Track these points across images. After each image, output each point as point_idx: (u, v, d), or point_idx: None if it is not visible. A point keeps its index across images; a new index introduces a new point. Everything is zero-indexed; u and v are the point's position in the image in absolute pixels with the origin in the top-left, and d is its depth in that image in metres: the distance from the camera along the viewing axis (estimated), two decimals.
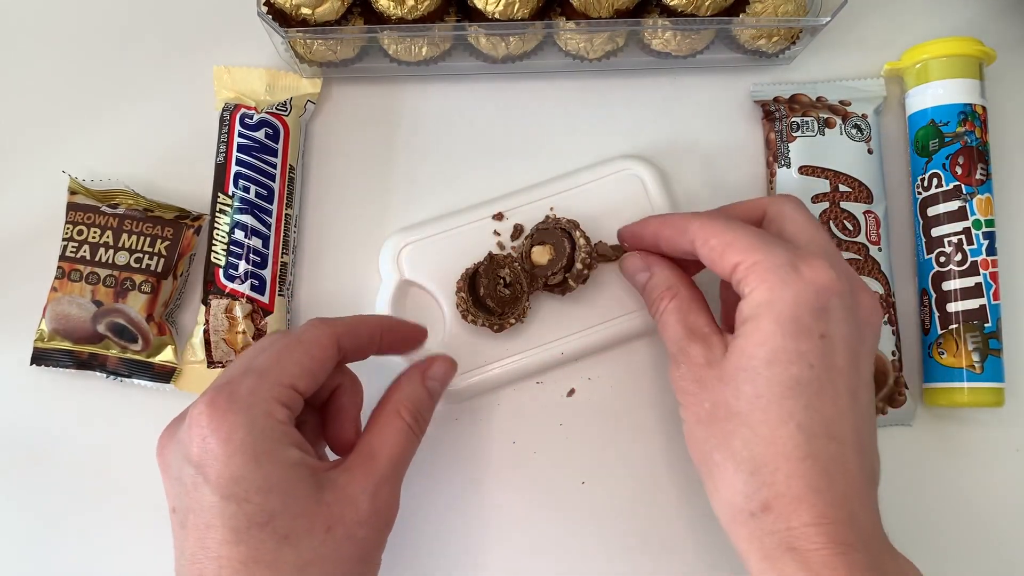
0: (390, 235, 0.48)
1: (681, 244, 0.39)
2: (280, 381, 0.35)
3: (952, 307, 0.47)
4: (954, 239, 0.47)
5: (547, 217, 0.47)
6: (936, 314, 0.47)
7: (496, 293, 0.45)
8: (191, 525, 0.33)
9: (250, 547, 0.32)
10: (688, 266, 0.42)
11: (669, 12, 0.46)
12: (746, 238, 0.36)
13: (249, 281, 0.45)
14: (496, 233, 0.47)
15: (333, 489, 0.34)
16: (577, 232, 0.44)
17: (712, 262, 0.38)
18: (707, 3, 0.45)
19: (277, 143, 0.47)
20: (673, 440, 0.47)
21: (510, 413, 0.47)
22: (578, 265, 0.44)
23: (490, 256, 0.45)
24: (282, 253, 0.46)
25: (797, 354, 0.34)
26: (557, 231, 0.45)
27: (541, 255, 0.45)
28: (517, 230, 0.47)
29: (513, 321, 0.45)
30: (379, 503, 0.35)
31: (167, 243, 0.46)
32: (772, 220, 0.40)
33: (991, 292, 0.46)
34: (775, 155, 0.49)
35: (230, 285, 0.45)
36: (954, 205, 0.47)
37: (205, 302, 0.45)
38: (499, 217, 0.48)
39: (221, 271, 0.45)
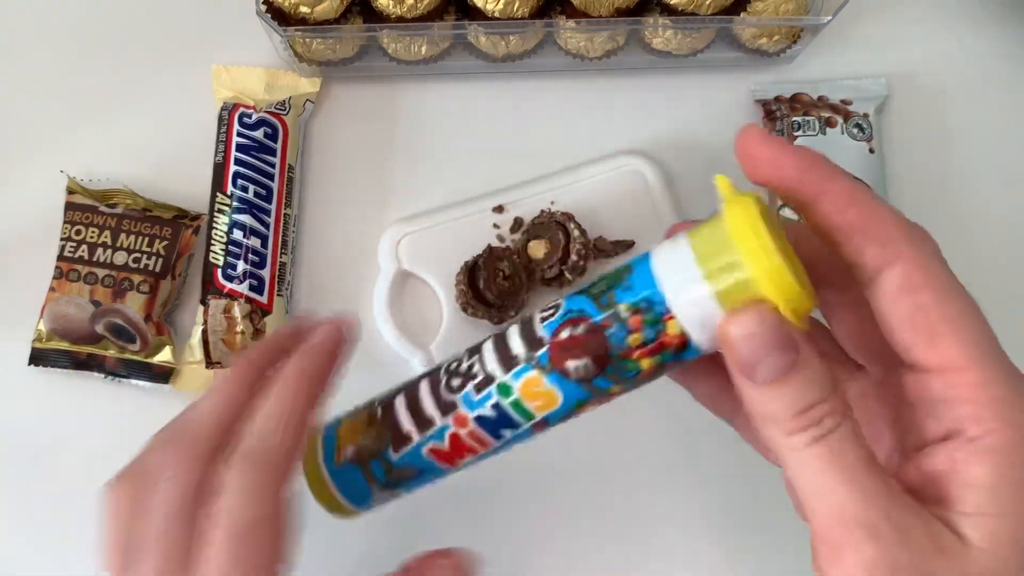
0: (389, 225, 0.48)
1: (862, 229, 0.25)
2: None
3: None
4: None
5: (542, 211, 0.47)
6: None
7: (495, 286, 0.45)
8: None
9: None
10: None
11: (670, 11, 0.46)
12: (975, 320, 0.24)
13: (248, 281, 0.45)
14: (496, 226, 0.47)
15: None
16: (571, 224, 0.45)
17: (898, 315, 0.24)
18: (708, 2, 0.45)
19: (276, 142, 0.47)
20: (672, 432, 0.47)
21: None
22: (573, 257, 0.44)
23: (489, 249, 0.46)
24: (281, 253, 0.46)
25: None
26: (552, 225, 0.46)
27: (537, 249, 0.46)
28: (517, 223, 0.47)
29: (513, 314, 0.45)
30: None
31: (165, 243, 0.46)
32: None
33: None
34: None
35: (229, 285, 0.45)
36: None
37: (203, 302, 0.45)
38: (499, 210, 0.47)
39: (220, 271, 0.45)
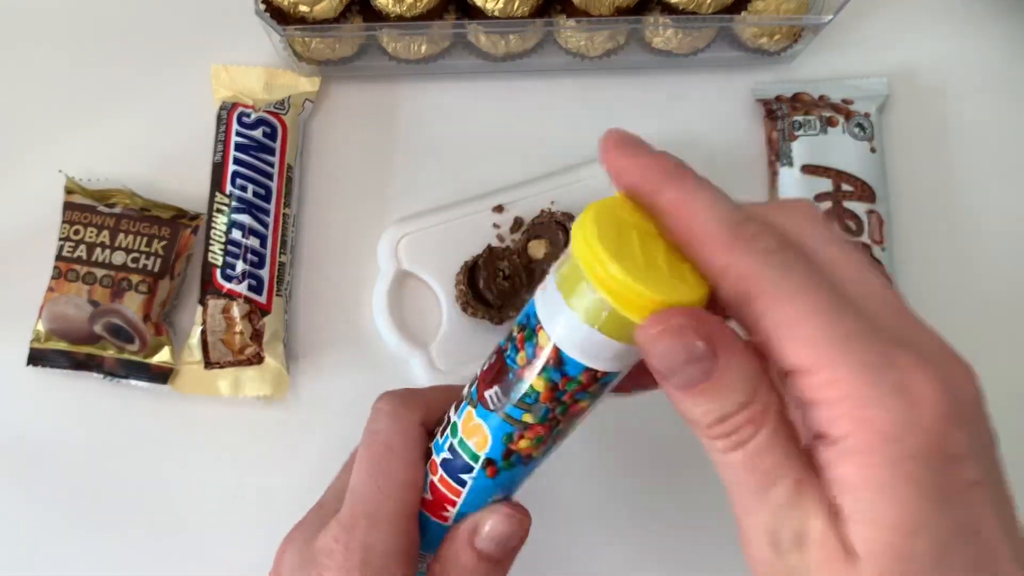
0: (389, 225, 0.47)
1: (693, 240, 0.24)
2: (395, 527, 0.31)
3: None
4: None
5: (542, 211, 0.47)
6: None
7: (495, 285, 0.45)
8: None
9: None
10: None
11: (670, 10, 0.46)
12: (818, 318, 0.22)
13: (247, 281, 0.45)
14: (496, 226, 0.47)
15: None
16: (571, 224, 0.45)
17: (753, 328, 0.23)
18: (708, 1, 0.45)
19: (275, 142, 0.47)
20: (672, 429, 0.46)
21: None
22: None
23: (489, 249, 0.45)
24: (280, 253, 0.46)
25: (954, 533, 0.22)
26: (552, 225, 0.45)
27: (537, 249, 0.45)
28: (517, 223, 0.47)
29: (512, 314, 0.45)
30: None
31: (164, 243, 0.46)
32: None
33: None
34: (777, 154, 0.49)
35: (227, 285, 0.45)
36: None
37: (202, 302, 0.45)
38: (499, 209, 0.47)
39: (218, 271, 0.45)
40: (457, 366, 0.45)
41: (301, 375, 0.47)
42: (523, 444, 0.29)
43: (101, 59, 0.51)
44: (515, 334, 0.27)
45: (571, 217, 0.45)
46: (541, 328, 0.26)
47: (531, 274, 0.45)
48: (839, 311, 0.22)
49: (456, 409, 0.30)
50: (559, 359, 0.26)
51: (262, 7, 0.44)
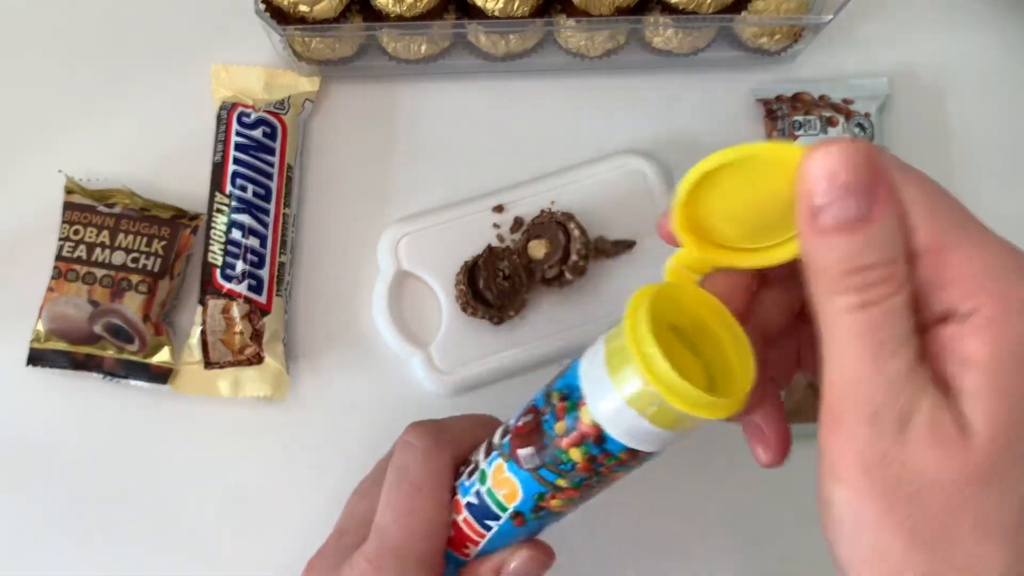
0: (389, 225, 0.47)
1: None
2: (423, 567, 0.31)
3: None
4: None
5: (542, 211, 0.47)
6: None
7: (495, 285, 0.45)
8: None
9: None
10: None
11: (671, 10, 0.46)
12: (951, 200, 0.23)
13: (247, 281, 0.45)
14: (496, 225, 0.47)
15: None
16: (572, 224, 0.45)
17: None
18: (708, 1, 0.45)
19: (275, 142, 0.47)
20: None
21: (509, 405, 0.47)
22: (574, 256, 0.44)
23: (489, 248, 0.45)
24: (280, 253, 0.46)
25: None
26: (552, 224, 0.45)
27: (537, 249, 0.45)
28: (517, 223, 0.47)
29: (512, 314, 0.45)
30: None
31: (164, 243, 0.45)
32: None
33: None
34: None
35: (227, 285, 0.45)
36: None
37: (202, 302, 0.45)
38: (499, 209, 0.47)
39: (218, 271, 0.45)
40: (457, 366, 0.45)
41: (301, 375, 0.47)
42: (554, 503, 0.29)
43: (101, 59, 0.51)
44: (555, 401, 0.27)
45: (571, 217, 0.45)
46: (584, 404, 0.26)
47: (531, 274, 0.45)
48: (957, 202, 0.23)
49: (486, 456, 0.30)
50: (600, 437, 0.26)
51: (262, 7, 0.44)
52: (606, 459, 0.26)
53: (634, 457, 0.26)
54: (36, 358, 0.45)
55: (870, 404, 0.22)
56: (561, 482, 0.28)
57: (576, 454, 0.27)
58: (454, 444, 0.33)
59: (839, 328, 0.22)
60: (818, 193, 0.22)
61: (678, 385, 0.23)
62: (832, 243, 0.22)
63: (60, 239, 0.45)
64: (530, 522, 0.30)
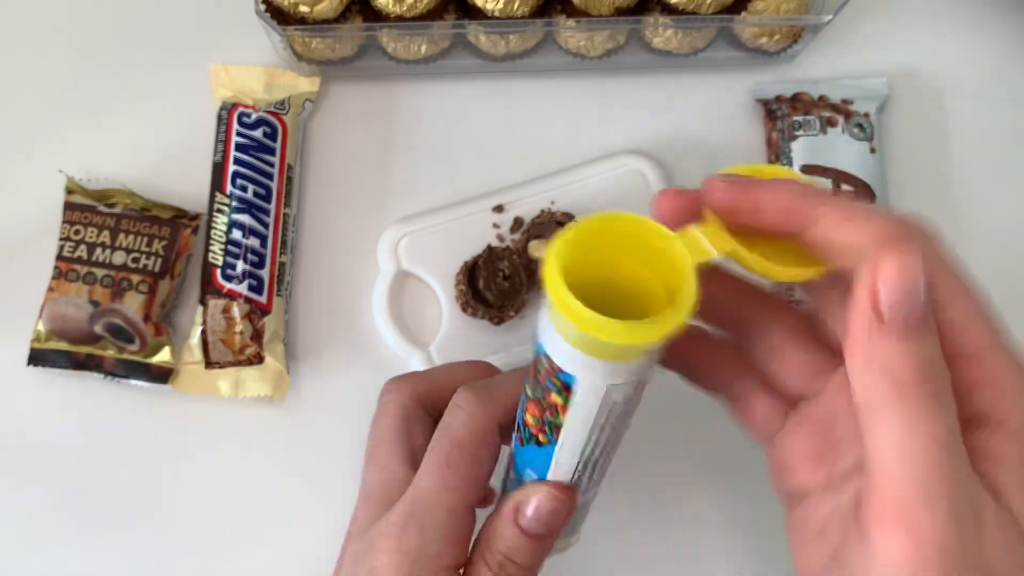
0: (388, 225, 0.48)
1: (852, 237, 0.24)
2: (451, 514, 0.32)
3: None
4: None
5: (542, 211, 0.47)
6: None
7: (495, 285, 0.45)
8: None
9: None
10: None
11: (670, 10, 0.46)
12: (992, 331, 0.25)
13: (247, 281, 0.45)
14: (496, 225, 0.47)
15: None
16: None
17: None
18: (708, 1, 0.45)
19: (275, 142, 0.47)
20: (673, 429, 0.46)
21: None
22: None
23: (489, 248, 0.45)
24: (280, 253, 0.46)
25: None
26: (552, 224, 0.45)
27: (538, 249, 0.45)
28: (517, 223, 0.47)
29: (512, 314, 0.45)
30: None
31: (164, 243, 0.46)
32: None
33: None
34: (777, 154, 0.49)
35: (228, 285, 0.45)
36: None
37: (202, 302, 0.45)
38: (499, 209, 0.47)
39: (219, 271, 0.45)
40: None
41: (301, 375, 0.47)
42: (528, 418, 0.30)
43: (101, 59, 0.51)
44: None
45: (571, 217, 0.45)
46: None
47: (531, 274, 0.45)
48: (990, 310, 0.25)
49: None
50: (544, 354, 0.28)
51: (262, 7, 0.44)
52: (549, 372, 0.28)
53: (566, 389, 0.27)
54: (36, 358, 0.45)
55: (947, 505, 0.22)
56: (528, 390, 0.30)
57: (540, 365, 0.28)
58: (501, 405, 0.33)
59: (899, 418, 0.23)
60: (892, 296, 0.23)
61: (579, 312, 0.24)
62: (903, 346, 0.23)
63: (60, 239, 0.45)
64: (530, 446, 0.31)
